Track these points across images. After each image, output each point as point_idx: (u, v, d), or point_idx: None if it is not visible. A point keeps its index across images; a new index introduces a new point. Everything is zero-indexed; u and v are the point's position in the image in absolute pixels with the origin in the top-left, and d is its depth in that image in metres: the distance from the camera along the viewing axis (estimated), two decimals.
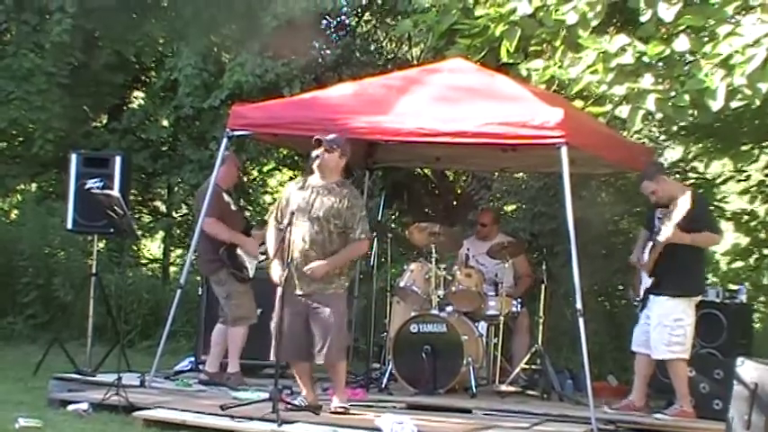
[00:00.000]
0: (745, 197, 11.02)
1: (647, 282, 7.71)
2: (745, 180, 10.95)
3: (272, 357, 7.21)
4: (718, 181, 10.95)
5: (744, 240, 11.05)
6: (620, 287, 10.70)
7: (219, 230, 8.30)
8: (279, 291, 7.09)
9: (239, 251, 8.41)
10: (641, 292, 7.77)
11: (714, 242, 8.03)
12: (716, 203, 10.77)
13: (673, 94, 7.57)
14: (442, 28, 9.43)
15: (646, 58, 7.67)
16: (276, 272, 7.13)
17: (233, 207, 8.65)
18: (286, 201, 7.28)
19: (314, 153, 7.17)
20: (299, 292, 7.13)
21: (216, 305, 8.96)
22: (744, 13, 7.59)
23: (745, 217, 10.89)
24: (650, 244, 7.70)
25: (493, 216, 10.06)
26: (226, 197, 8.58)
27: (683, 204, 7.20)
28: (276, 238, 7.22)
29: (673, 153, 11.27)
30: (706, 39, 7.52)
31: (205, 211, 8.30)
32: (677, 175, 10.69)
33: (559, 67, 8.15)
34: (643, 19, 7.92)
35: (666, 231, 7.28)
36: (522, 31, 8.48)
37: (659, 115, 8.06)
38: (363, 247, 7.39)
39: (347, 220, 7.12)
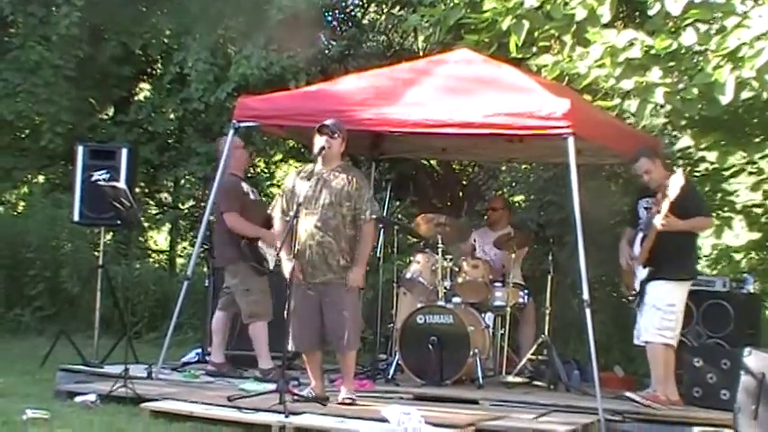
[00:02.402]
0: (756, 191, 10.96)
1: (641, 275, 7.70)
2: (756, 173, 10.90)
3: (290, 347, 7.27)
4: (728, 173, 10.90)
5: (756, 234, 11.00)
6: None
7: (241, 226, 8.24)
8: (294, 282, 7.13)
9: (260, 243, 8.38)
10: (637, 286, 7.76)
11: (707, 225, 8.06)
12: (727, 198, 10.74)
13: (681, 86, 7.55)
14: (450, 22, 9.40)
15: (653, 52, 7.65)
16: (287, 265, 7.14)
17: (252, 197, 8.62)
18: (291, 192, 7.27)
19: (319, 142, 7.18)
20: (314, 281, 7.15)
21: None
22: (754, 4, 7.56)
23: (756, 210, 10.84)
24: (640, 235, 7.71)
25: (504, 202, 10.06)
26: (245, 187, 8.55)
27: (676, 182, 7.21)
28: (285, 230, 7.21)
29: (681, 142, 11.22)
30: (714, 32, 7.49)
31: (227, 205, 8.29)
32: (688, 167, 10.66)
33: (568, 61, 8.12)
34: (651, 12, 7.89)
35: (662, 214, 7.28)
36: (530, 24, 8.45)
37: (668, 107, 8.03)
38: (374, 226, 7.39)
39: (356, 201, 7.14)
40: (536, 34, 8.61)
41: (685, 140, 10.77)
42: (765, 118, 9.00)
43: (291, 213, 7.10)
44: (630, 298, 7.85)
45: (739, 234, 11.31)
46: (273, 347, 8.29)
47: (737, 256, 11.30)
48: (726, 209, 10.54)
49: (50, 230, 12.80)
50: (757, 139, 9.61)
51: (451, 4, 9.33)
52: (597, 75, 7.81)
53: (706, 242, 11.05)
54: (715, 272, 11.20)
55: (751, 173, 10.87)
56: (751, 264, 11.11)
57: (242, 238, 8.27)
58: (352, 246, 7.19)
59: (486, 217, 10.27)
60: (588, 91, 8.62)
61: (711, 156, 10.67)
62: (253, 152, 13.74)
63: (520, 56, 8.75)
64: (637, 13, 9.71)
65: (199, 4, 13.09)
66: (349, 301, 7.19)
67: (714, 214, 10.37)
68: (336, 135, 7.19)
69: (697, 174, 10.75)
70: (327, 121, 7.22)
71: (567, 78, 8.38)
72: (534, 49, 8.85)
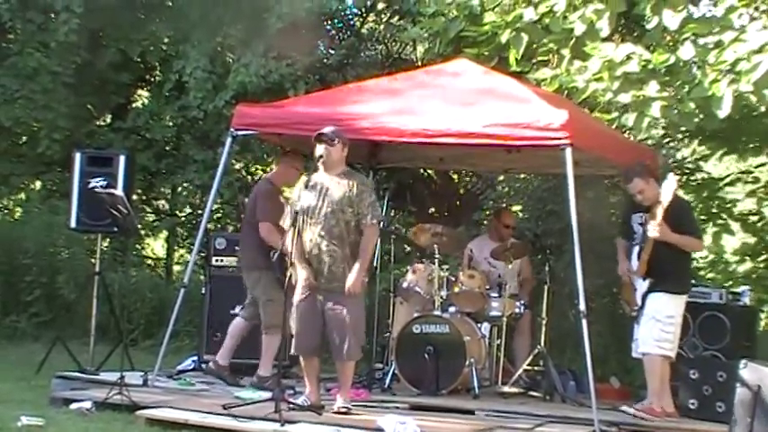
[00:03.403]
0: (752, 198, 11.01)
1: (642, 288, 7.71)
2: (752, 182, 10.95)
3: (292, 351, 7.30)
4: (724, 182, 10.93)
5: (752, 240, 11.04)
6: None
7: (274, 238, 8.10)
8: (298, 290, 7.19)
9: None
10: (639, 301, 7.76)
11: (697, 248, 8.13)
12: (723, 205, 10.78)
13: (679, 98, 7.56)
14: (450, 35, 9.41)
15: (651, 66, 7.67)
16: (301, 274, 7.17)
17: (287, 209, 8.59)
18: (298, 201, 7.30)
19: (317, 151, 7.19)
20: (319, 289, 7.18)
21: (219, 304, 9.01)
22: (751, 18, 7.58)
23: (752, 218, 10.88)
24: (636, 249, 7.73)
25: (516, 219, 9.97)
26: (282, 199, 8.55)
27: (669, 187, 7.25)
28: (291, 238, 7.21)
29: (679, 154, 11.27)
30: (711, 46, 7.52)
31: (264, 214, 8.24)
32: (684, 176, 10.69)
33: (567, 75, 8.13)
34: (649, 26, 7.91)
35: (656, 221, 7.32)
36: (529, 37, 8.45)
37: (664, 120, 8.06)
38: (375, 231, 7.32)
39: (358, 206, 7.14)
40: (534, 47, 8.62)
41: (682, 151, 10.83)
42: (762, 126, 9.02)
43: (289, 221, 7.15)
44: (634, 314, 7.84)
45: (735, 241, 11.37)
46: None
47: (733, 259, 11.35)
48: (723, 215, 10.59)
49: (47, 237, 12.77)
50: (752, 145, 9.65)
51: (451, 17, 9.32)
52: (595, 88, 7.82)
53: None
54: (710, 275, 11.24)
55: (747, 182, 10.92)
56: (746, 271, 11.15)
57: (272, 248, 8.20)
58: (356, 253, 7.20)
59: (483, 226, 10.26)
60: (586, 104, 8.63)
61: (708, 165, 10.73)
62: (251, 160, 13.77)
63: (519, 69, 8.76)
64: (634, 27, 9.74)
65: (198, 12, 13.10)
66: (353, 309, 7.18)
67: (711, 222, 10.44)
68: (335, 142, 7.20)
69: (693, 182, 10.78)
70: (325, 129, 7.24)
71: (566, 92, 8.40)
72: (534, 62, 8.86)
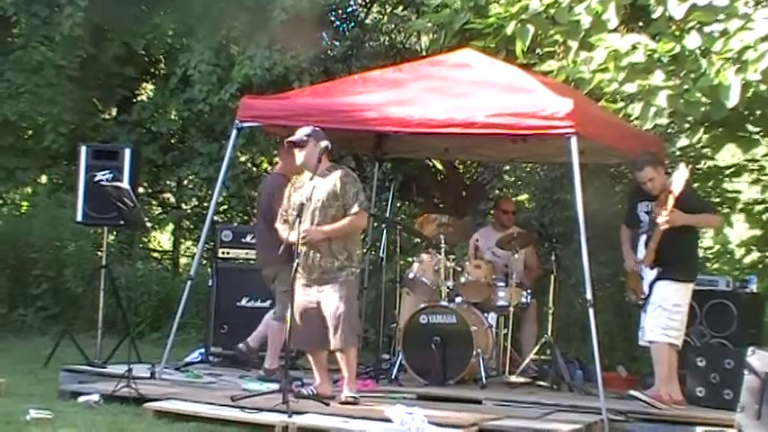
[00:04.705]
0: (755, 187, 10.97)
1: (649, 277, 7.70)
2: (758, 170, 10.91)
3: (292, 345, 7.33)
4: (731, 170, 10.89)
5: (757, 231, 11.00)
6: None
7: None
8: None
9: None
10: (646, 289, 7.74)
11: (715, 223, 8.12)
12: (727, 194, 10.75)
13: (686, 87, 7.53)
14: (455, 27, 9.39)
15: (657, 56, 7.64)
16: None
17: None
18: (288, 200, 7.41)
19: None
20: (312, 282, 7.23)
21: (226, 296, 9.03)
22: (756, 5, 7.55)
23: (757, 207, 10.85)
24: (643, 238, 7.72)
25: (515, 204, 10.04)
26: None
27: (680, 176, 7.26)
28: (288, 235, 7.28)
29: (682, 140, 11.23)
30: (717, 34, 7.48)
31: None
32: (688, 164, 10.67)
33: (573, 66, 8.10)
34: (654, 16, 7.89)
35: (668, 210, 7.32)
36: (534, 29, 8.42)
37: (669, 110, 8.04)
38: (360, 220, 7.38)
39: (343, 198, 7.21)
40: (539, 39, 8.60)
41: (686, 140, 10.79)
42: (765, 114, 8.98)
43: (294, 214, 7.15)
44: (641, 303, 7.82)
45: (741, 232, 11.34)
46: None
47: (739, 252, 11.32)
48: (725, 206, 10.56)
49: (54, 230, 12.80)
50: (756, 136, 9.62)
51: (456, 7, 9.29)
52: (600, 79, 7.80)
53: (706, 236, 11.06)
54: (716, 265, 11.22)
55: (752, 170, 10.88)
56: (752, 261, 11.13)
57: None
58: (346, 245, 7.26)
59: (489, 216, 10.25)
60: (592, 95, 8.60)
61: (710, 151, 10.69)
62: (257, 152, 13.76)
63: (525, 61, 8.74)
64: (640, 16, 9.70)
65: (201, 5, 13.09)
66: (345, 298, 7.19)
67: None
68: (304, 144, 7.27)
69: (698, 171, 10.75)
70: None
71: (573, 84, 8.37)
72: (539, 53, 8.83)
